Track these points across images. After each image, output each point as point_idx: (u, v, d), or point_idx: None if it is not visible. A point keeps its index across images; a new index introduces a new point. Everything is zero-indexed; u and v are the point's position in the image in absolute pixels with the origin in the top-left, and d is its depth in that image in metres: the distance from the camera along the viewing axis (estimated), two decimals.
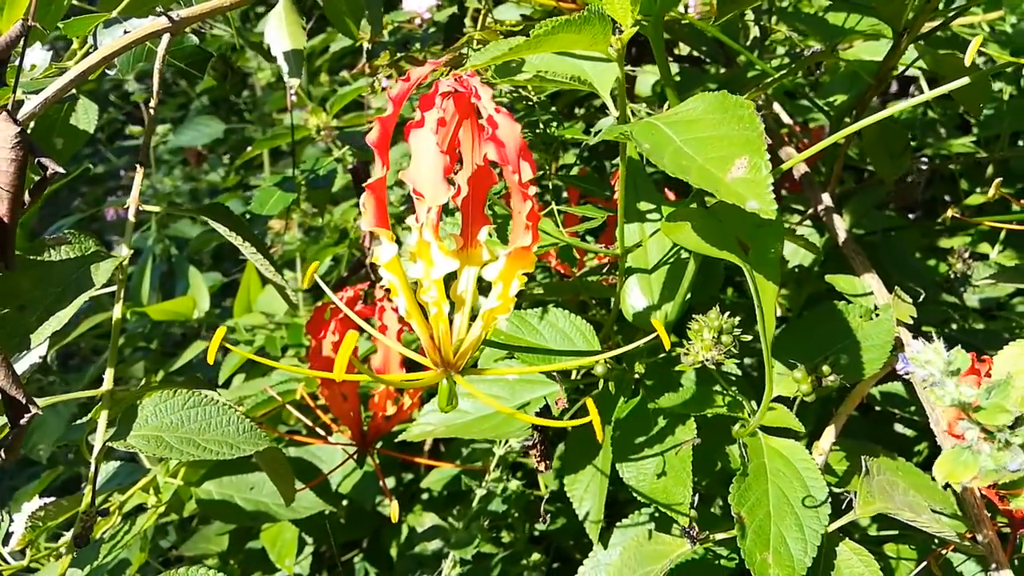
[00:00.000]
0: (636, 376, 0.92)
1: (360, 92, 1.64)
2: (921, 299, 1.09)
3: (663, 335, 0.70)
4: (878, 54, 1.13)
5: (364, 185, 0.58)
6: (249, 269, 1.63)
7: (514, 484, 1.18)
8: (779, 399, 0.87)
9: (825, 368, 0.80)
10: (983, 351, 1.22)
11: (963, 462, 0.59)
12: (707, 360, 0.75)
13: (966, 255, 1.63)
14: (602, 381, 0.89)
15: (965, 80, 0.73)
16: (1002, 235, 1.67)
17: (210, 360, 0.62)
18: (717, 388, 0.88)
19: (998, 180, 0.88)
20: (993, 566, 0.84)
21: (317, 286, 0.70)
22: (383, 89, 1.74)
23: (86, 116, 0.97)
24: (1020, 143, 1.80)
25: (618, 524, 1.01)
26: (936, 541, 1.03)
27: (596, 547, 0.99)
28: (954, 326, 1.45)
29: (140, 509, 1.32)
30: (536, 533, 1.47)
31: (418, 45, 1.13)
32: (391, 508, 0.94)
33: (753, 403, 0.88)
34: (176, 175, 2.09)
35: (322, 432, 1.17)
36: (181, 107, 3.51)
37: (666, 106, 0.95)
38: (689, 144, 0.64)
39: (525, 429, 0.96)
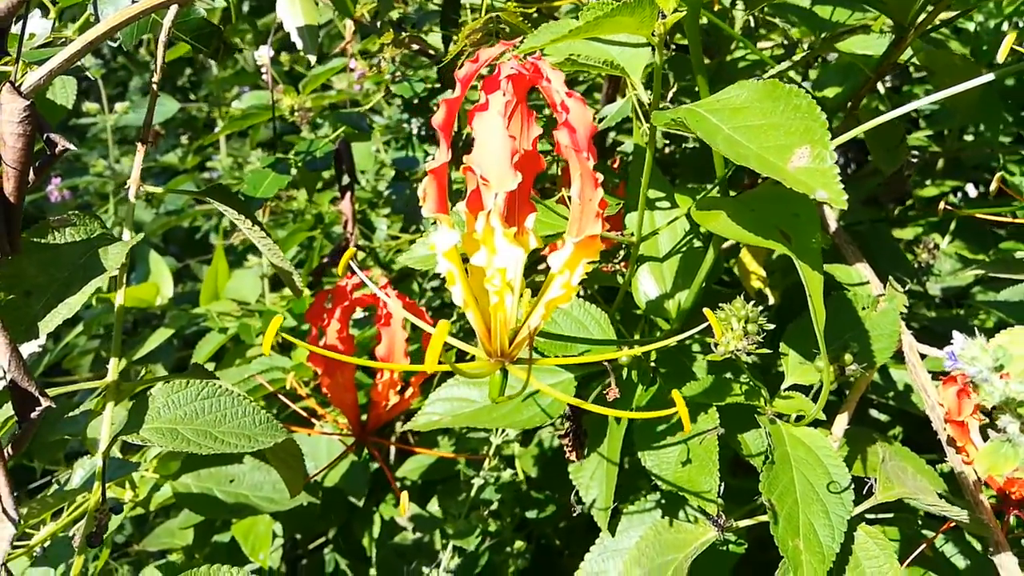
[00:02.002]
0: (651, 365, 0.92)
1: (334, 72, 1.60)
2: (907, 288, 1.13)
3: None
4: (870, 48, 1.16)
5: (428, 171, 0.56)
6: (218, 254, 1.57)
7: (507, 473, 1.17)
8: (796, 387, 0.89)
9: (847, 356, 0.82)
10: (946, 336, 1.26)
11: (1004, 455, 0.61)
12: (740, 350, 0.76)
13: (931, 246, 1.70)
14: (626, 370, 0.88)
15: (990, 77, 0.75)
16: (952, 226, 1.75)
17: (266, 352, 0.59)
18: (734, 376, 0.89)
19: (999, 175, 0.91)
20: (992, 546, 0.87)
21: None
22: (351, 70, 1.71)
23: (64, 91, 0.92)
24: (967, 137, 1.87)
25: (624, 511, 1.01)
26: (919, 523, 1.07)
27: (603, 534, 0.99)
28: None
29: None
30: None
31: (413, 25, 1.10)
32: (402, 500, 0.92)
33: (765, 392, 0.89)
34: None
35: (315, 421, 1.13)
36: (119, 84, 3.36)
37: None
38: (740, 132, 0.64)
39: (533, 418, 0.95)
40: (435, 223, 0.58)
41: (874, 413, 1.44)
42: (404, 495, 0.92)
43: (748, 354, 0.77)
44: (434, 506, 1.53)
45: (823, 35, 1.22)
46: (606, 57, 0.78)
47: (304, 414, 1.16)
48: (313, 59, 0.85)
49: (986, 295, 1.66)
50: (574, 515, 0.96)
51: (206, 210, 2.11)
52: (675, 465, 0.82)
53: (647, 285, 0.94)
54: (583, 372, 0.96)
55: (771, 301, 1.18)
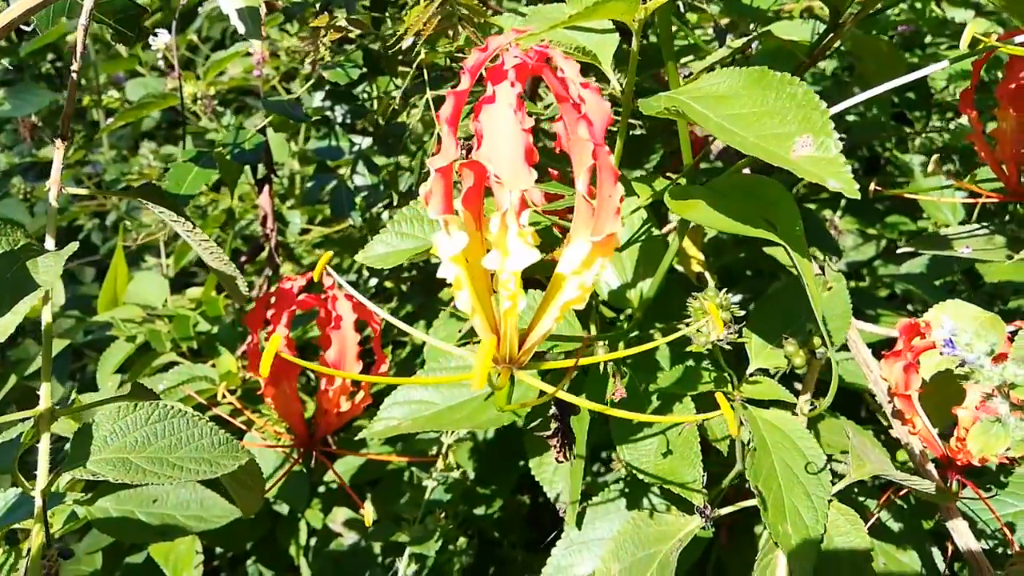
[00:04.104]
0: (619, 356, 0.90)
1: (238, 56, 1.50)
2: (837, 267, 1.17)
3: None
4: (796, 33, 1.18)
5: (435, 169, 0.51)
6: (118, 256, 1.44)
7: (457, 473, 1.14)
8: (762, 371, 0.90)
9: (816, 340, 0.83)
10: (859, 309, 1.32)
11: (995, 435, 0.63)
12: (721, 340, 0.75)
13: (837, 223, 1.77)
14: (602, 364, 0.86)
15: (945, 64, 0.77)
16: (842, 203, 1.83)
17: (264, 371, 0.53)
18: (697, 363, 0.89)
19: (936, 156, 0.94)
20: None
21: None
22: (249, 53, 1.60)
23: None
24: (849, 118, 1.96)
25: (589, 503, 1.00)
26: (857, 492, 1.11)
27: (568, 528, 0.98)
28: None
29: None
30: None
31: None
32: (365, 511, 0.88)
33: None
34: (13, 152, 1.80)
35: (251, 432, 1.06)
36: None
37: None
38: (730, 121, 0.63)
39: (500, 417, 0.92)
40: (442, 226, 0.53)
41: (798, 386, 1.49)
42: (368, 505, 0.88)
43: (731, 344, 0.76)
44: (368, 508, 1.48)
45: (751, 22, 1.24)
46: (576, 43, 0.75)
47: (240, 426, 1.08)
48: (258, 44, 0.78)
49: (887, 268, 1.75)
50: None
51: (89, 208, 1.95)
52: (655, 457, 0.81)
53: (608, 275, 0.93)
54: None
55: (711, 284, 1.20)
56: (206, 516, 1.20)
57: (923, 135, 1.68)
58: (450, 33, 0.86)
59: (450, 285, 0.55)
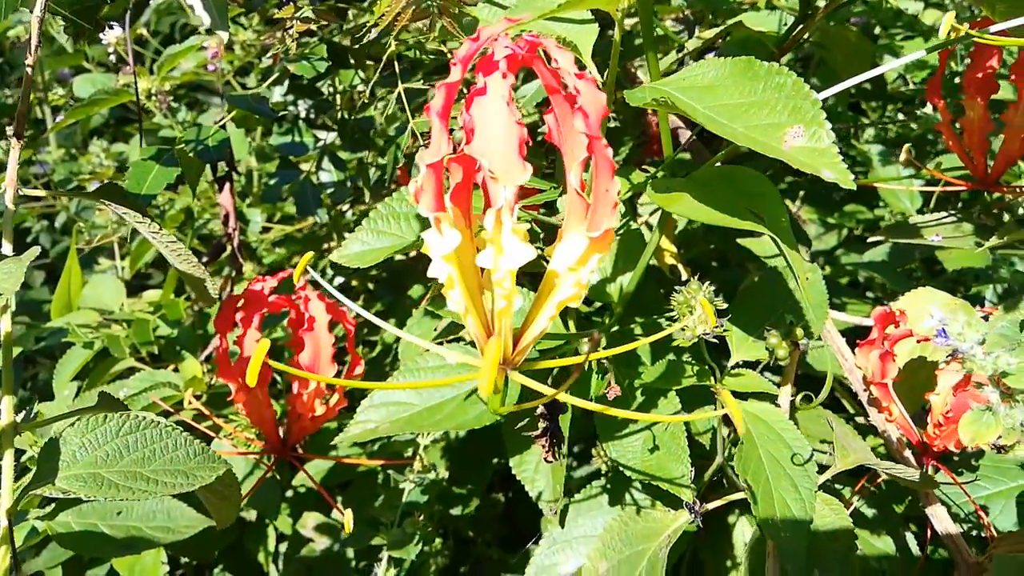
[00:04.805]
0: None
1: (193, 50, 1.45)
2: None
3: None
4: (764, 24, 1.18)
5: (426, 164, 0.49)
6: (72, 258, 1.39)
7: (434, 474, 1.12)
8: (744, 363, 0.89)
9: (799, 331, 0.83)
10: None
11: (986, 423, 0.63)
12: (707, 334, 0.75)
13: (799, 212, 1.79)
14: (586, 362, 0.85)
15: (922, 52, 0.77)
16: (800, 193, 1.85)
17: (252, 380, 0.50)
18: (677, 357, 0.88)
19: (907, 146, 0.95)
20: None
21: None
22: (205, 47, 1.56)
23: None
24: None
25: (571, 500, 0.99)
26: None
27: (551, 526, 0.97)
28: None
29: None
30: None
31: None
32: (344, 518, 0.85)
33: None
34: None
35: (219, 438, 1.03)
36: None
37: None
38: (718, 112, 0.62)
39: (481, 417, 0.91)
40: (432, 224, 0.51)
41: (769, 376, 1.50)
42: (348, 512, 0.85)
43: (716, 338, 0.76)
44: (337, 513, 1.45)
45: (713, 14, 1.24)
46: (554, 34, 0.73)
47: (206, 431, 1.05)
48: (225, 36, 0.74)
49: (849, 256, 1.77)
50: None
51: (36, 210, 1.87)
52: (642, 453, 0.81)
53: None
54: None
55: (683, 276, 1.19)
56: (173, 527, 1.16)
57: (879, 125, 1.70)
58: (421, 25, 0.84)
59: (441, 284, 0.53)
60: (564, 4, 0.57)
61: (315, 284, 1.02)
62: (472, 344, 1.00)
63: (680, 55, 1.03)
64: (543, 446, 0.71)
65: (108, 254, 1.70)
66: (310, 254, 0.62)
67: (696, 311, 0.76)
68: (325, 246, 1.71)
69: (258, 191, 1.62)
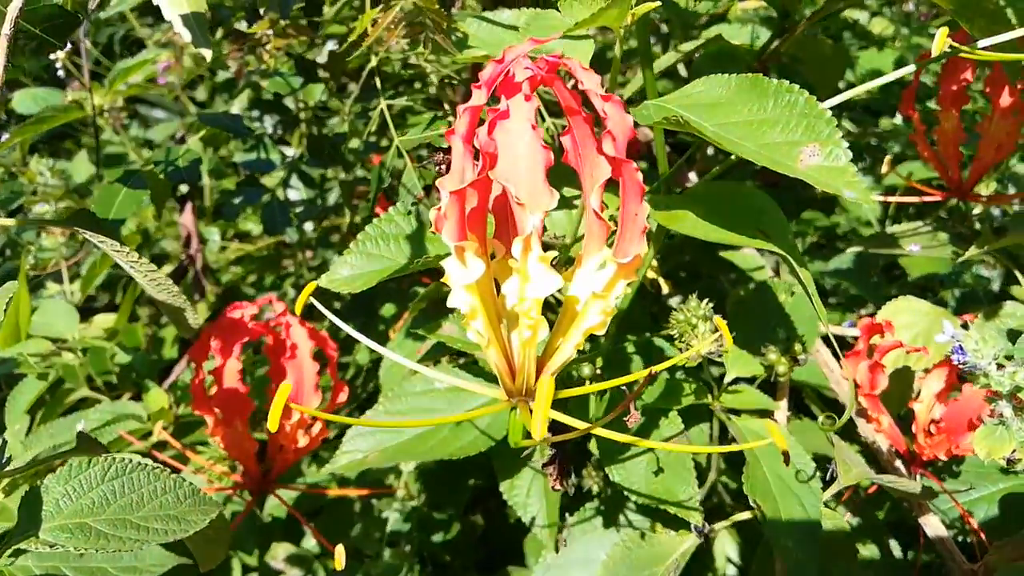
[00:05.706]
0: (598, 372, 0.88)
1: (147, 63, 1.39)
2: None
3: None
4: (737, 37, 1.19)
5: (449, 192, 0.47)
6: (21, 282, 1.31)
7: (415, 501, 1.09)
8: (740, 380, 0.89)
9: (797, 347, 0.83)
10: None
11: (1000, 438, 0.63)
12: (712, 353, 0.74)
13: None
14: (588, 384, 0.83)
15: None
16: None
17: (273, 426, 0.47)
18: (678, 376, 0.87)
19: (889, 157, 0.96)
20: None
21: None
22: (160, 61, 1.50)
23: None
24: None
25: (563, 524, 0.97)
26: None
27: (545, 552, 0.94)
28: None
29: None
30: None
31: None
32: (336, 554, 0.81)
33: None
34: None
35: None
36: None
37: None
38: (728, 129, 0.61)
39: (475, 443, 0.88)
40: (456, 253, 0.49)
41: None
42: (340, 548, 0.82)
43: (719, 356, 0.75)
44: (310, 541, 1.40)
45: (685, 26, 1.24)
46: (554, 50, 0.72)
47: (174, 463, 0.99)
48: (208, 54, 0.70)
49: (813, 264, 1.79)
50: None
51: None
52: (646, 476, 0.79)
53: None
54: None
55: (665, 291, 1.19)
56: (140, 566, 1.09)
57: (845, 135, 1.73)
58: (402, 41, 0.81)
59: (463, 315, 0.50)
60: (580, 22, 0.55)
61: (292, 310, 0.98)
62: (461, 366, 0.97)
63: (657, 70, 1.02)
64: (550, 475, 0.69)
65: (56, 277, 1.62)
66: (313, 284, 0.58)
67: (699, 329, 0.75)
68: (286, 263, 1.67)
69: (209, 207, 1.56)
